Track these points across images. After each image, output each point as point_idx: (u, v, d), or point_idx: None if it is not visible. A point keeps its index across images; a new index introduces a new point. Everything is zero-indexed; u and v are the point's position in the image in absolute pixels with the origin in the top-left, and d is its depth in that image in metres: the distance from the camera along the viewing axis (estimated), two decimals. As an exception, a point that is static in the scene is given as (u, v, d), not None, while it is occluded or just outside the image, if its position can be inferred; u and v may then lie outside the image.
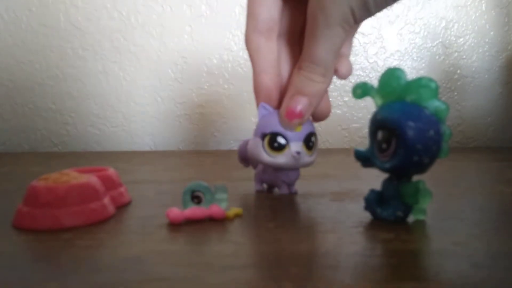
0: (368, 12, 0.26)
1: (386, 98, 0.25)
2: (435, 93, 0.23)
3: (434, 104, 0.23)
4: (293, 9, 0.32)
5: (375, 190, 0.26)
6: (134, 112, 0.77)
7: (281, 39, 0.33)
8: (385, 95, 0.25)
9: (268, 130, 0.31)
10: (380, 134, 0.24)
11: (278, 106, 0.32)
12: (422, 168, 0.24)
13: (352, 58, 0.76)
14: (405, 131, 0.22)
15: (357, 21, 0.27)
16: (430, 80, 0.23)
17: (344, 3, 0.26)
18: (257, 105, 0.32)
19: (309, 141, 0.31)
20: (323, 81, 0.29)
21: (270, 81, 0.31)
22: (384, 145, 0.24)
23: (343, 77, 0.31)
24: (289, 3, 0.31)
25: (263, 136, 0.31)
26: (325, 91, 0.30)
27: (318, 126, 0.77)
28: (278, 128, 0.31)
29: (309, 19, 0.28)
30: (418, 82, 0.23)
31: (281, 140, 0.30)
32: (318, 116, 0.33)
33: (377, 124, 0.25)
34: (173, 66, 0.77)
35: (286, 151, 0.31)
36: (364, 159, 0.26)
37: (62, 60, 0.77)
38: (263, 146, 0.31)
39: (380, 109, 0.25)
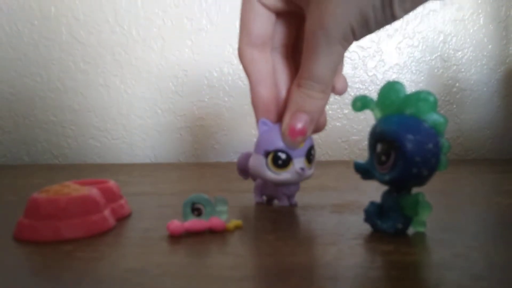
0: (368, 30, 0.26)
1: (385, 111, 0.25)
2: (433, 106, 0.23)
3: (432, 117, 0.23)
4: (286, 23, 0.32)
5: (375, 202, 0.26)
6: (134, 125, 0.78)
7: (275, 53, 0.33)
8: (384, 108, 0.25)
9: (272, 147, 0.31)
10: (379, 147, 0.24)
11: (277, 118, 0.32)
12: (421, 180, 0.24)
13: (351, 72, 0.77)
14: (404, 143, 0.23)
15: (356, 38, 0.27)
16: (429, 93, 0.23)
17: (345, 20, 0.26)
18: (256, 117, 0.32)
19: (310, 155, 0.32)
20: (322, 98, 0.29)
21: (266, 93, 0.31)
22: (383, 158, 0.24)
23: (339, 93, 0.31)
24: (282, 18, 0.32)
25: (266, 154, 0.31)
26: (325, 106, 0.31)
27: (318, 139, 0.77)
28: (281, 145, 0.31)
29: (308, 35, 0.28)
30: (417, 96, 0.24)
31: (285, 157, 0.31)
32: (315, 129, 0.33)
33: (376, 136, 0.25)
34: (173, 79, 0.77)
35: (290, 167, 0.31)
36: (364, 171, 0.26)
37: (63, 73, 0.77)
38: (266, 164, 0.31)
39: (379, 122, 0.25)
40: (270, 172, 0.31)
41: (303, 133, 0.30)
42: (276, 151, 0.31)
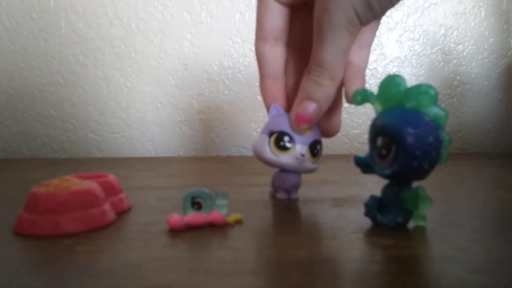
0: (373, 13, 0.26)
1: (385, 104, 0.25)
2: (434, 99, 0.23)
3: (433, 111, 0.23)
4: (303, 19, 0.32)
5: (375, 196, 0.26)
6: (134, 118, 0.78)
7: (292, 48, 0.33)
8: (385, 102, 0.25)
9: (277, 128, 0.31)
10: (379, 140, 0.24)
11: (287, 110, 0.33)
12: (422, 174, 0.24)
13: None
14: (404, 137, 0.23)
15: (362, 23, 0.27)
16: (430, 86, 0.23)
17: (348, 5, 0.26)
18: (266, 108, 0.33)
19: (314, 148, 0.32)
20: (331, 85, 0.29)
21: (272, 85, 0.32)
22: (384, 151, 0.24)
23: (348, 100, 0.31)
24: (299, 13, 0.31)
25: (270, 134, 0.32)
26: (334, 95, 0.30)
27: (318, 132, 0.77)
28: (287, 129, 0.31)
29: (315, 23, 0.28)
30: (418, 89, 0.23)
31: (288, 140, 0.31)
32: (327, 132, 0.33)
33: (376, 130, 0.25)
34: (173, 72, 0.77)
35: (291, 152, 0.31)
36: (364, 165, 0.26)
37: (63, 67, 0.77)
38: (268, 143, 0.31)
39: (380, 115, 0.25)
40: (270, 152, 0.31)
41: (309, 120, 0.30)
42: (280, 132, 0.31)
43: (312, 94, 0.30)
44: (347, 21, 0.26)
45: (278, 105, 0.33)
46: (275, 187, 0.34)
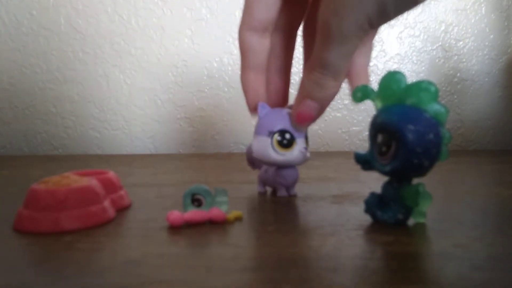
0: (387, 19, 0.25)
1: (386, 101, 0.25)
2: (435, 96, 0.23)
3: (434, 108, 0.23)
4: (292, 6, 0.31)
5: (375, 193, 0.26)
6: (134, 115, 0.77)
7: (277, 33, 0.32)
8: (385, 98, 0.25)
9: (276, 128, 0.31)
10: (380, 137, 0.24)
11: (270, 104, 0.33)
12: (422, 171, 0.24)
13: (352, 61, 0.77)
14: (405, 134, 0.23)
15: (374, 27, 0.26)
16: (430, 83, 0.23)
17: (361, 10, 0.25)
18: (246, 101, 0.34)
19: (306, 137, 0.33)
20: (334, 86, 0.29)
21: (255, 79, 0.32)
22: (384, 148, 0.24)
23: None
24: (288, 1, 0.31)
25: (270, 134, 0.32)
26: (336, 94, 0.30)
27: (318, 130, 0.77)
28: (286, 126, 0.31)
29: (321, 24, 0.27)
30: (418, 85, 0.23)
31: (289, 137, 0.31)
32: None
33: (377, 127, 0.25)
34: (173, 69, 0.77)
35: (294, 147, 0.32)
36: (364, 162, 0.26)
37: (62, 64, 0.77)
38: (271, 145, 0.31)
39: (380, 112, 0.25)
40: (275, 153, 0.31)
41: (309, 119, 0.30)
42: (281, 131, 0.31)
43: (314, 94, 0.29)
44: (358, 27, 0.25)
45: (258, 99, 0.33)
46: (274, 185, 0.34)
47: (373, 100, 0.26)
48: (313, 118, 0.30)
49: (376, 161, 0.25)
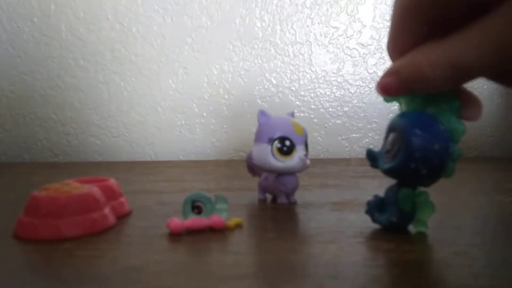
0: None
1: (410, 105, 0.25)
2: (455, 110, 0.23)
3: (451, 122, 0.23)
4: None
5: (379, 195, 0.27)
6: (134, 122, 0.78)
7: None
8: (409, 103, 0.25)
9: (276, 135, 0.32)
10: (391, 136, 0.25)
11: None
12: (419, 178, 0.23)
13: (351, 69, 0.77)
14: (409, 136, 0.23)
15: None
16: (453, 97, 0.23)
17: None
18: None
19: (306, 144, 0.33)
20: (433, 88, 0.23)
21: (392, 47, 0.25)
22: (389, 146, 0.24)
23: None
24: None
25: (270, 141, 0.32)
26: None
27: (318, 136, 0.77)
28: (285, 133, 0.32)
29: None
30: (440, 96, 0.23)
31: (289, 144, 0.32)
32: (470, 117, 0.25)
33: (390, 126, 0.25)
34: (173, 76, 0.77)
35: (294, 154, 0.32)
36: (373, 158, 0.26)
37: (63, 71, 0.77)
38: (272, 152, 0.32)
39: (399, 114, 0.25)
40: (275, 160, 0.32)
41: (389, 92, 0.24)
42: (281, 138, 0.32)
43: (414, 84, 0.23)
44: None
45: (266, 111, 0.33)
46: (274, 192, 0.34)
47: (400, 103, 0.26)
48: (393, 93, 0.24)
49: (381, 158, 0.25)
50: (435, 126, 0.23)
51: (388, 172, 0.24)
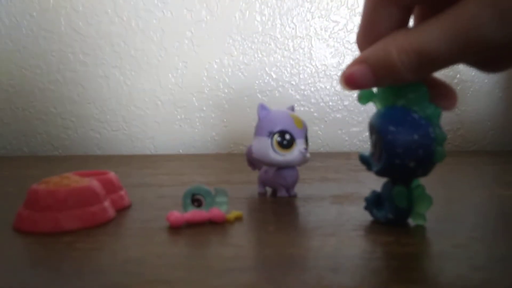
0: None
1: (383, 103, 0.25)
2: (424, 97, 0.23)
3: (425, 108, 0.23)
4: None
5: (376, 191, 0.26)
6: (134, 116, 0.78)
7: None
8: (382, 100, 0.25)
9: (276, 128, 0.32)
10: (373, 137, 0.25)
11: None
12: (409, 172, 0.23)
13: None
14: (385, 135, 0.23)
15: None
16: (419, 84, 0.23)
17: None
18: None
19: (306, 137, 0.33)
20: (409, 78, 0.22)
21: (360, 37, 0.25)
22: (373, 148, 0.24)
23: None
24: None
25: (270, 135, 0.32)
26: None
27: (318, 130, 0.77)
28: (285, 126, 0.32)
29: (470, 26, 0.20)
30: (407, 87, 0.23)
31: (289, 138, 0.32)
32: (448, 106, 0.25)
33: (369, 128, 0.25)
34: (173, 70, 0.77)
35: (294, 148, 0.32)
36: (367, 162, 0.26)
37: (62, 65, 0.77)
38: (272, 145, 0.32)
39: (374, 114, 0.25)
40: (275, 153, 0.32)
41: (356, 85, 0.23)
42: (281, 132, 0.32)
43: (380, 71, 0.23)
44: None
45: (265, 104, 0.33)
46: (274, 185, 0.34)
47: (375, 102, 0.26)
48: (361, 85, 0.23)
49: (372, 162, 0.25)
50: (408, 117, 0.23)
51: (380, 174, 0.24)
